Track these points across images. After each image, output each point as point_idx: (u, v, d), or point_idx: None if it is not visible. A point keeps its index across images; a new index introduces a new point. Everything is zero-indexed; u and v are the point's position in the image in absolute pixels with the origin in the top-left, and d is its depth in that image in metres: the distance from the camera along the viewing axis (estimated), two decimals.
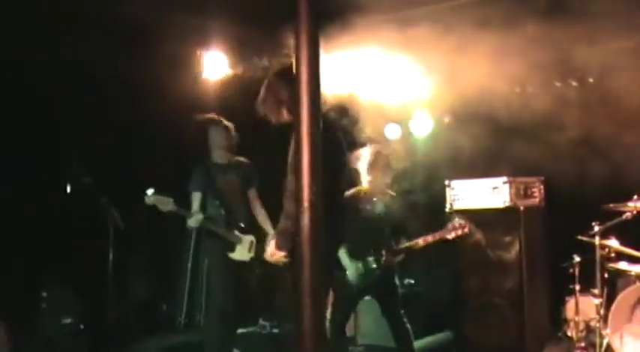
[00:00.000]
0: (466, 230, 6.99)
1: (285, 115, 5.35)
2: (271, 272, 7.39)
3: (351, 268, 6.93)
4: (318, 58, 3.17)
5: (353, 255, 6.95)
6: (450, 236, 7.02)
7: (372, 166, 7.07)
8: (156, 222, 7.96)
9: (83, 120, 7.82)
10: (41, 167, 7.48)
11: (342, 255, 6.94)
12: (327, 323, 6.72)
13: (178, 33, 7.49)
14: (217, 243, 7.30)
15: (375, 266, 6.90)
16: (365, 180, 7.12)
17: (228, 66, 8.35)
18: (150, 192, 7.03)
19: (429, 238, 6.95)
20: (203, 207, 7.32)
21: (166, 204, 7.05)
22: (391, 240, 7.01)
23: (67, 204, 7.46)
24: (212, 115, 7.53)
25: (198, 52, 8.30)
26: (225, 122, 7.46)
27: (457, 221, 7.05)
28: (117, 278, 7.31)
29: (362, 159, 7.11)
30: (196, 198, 7.38)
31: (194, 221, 7.19)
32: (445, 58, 7.64)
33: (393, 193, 7.17)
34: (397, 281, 7.09)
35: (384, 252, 6.92)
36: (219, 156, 7.48)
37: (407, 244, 7.00)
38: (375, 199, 7.06)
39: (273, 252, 5.20)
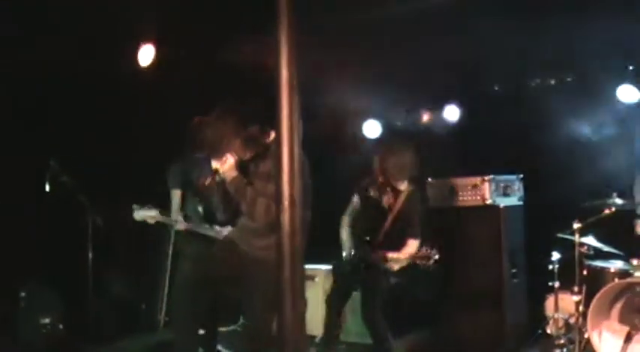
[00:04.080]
0: (431, 261, 7.03)
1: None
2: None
3: (347, 249, 7.16)
4: (297, 54, 3.17)
5: (353, 237, 7.22)
6: (419, 261, 7.09)
7: (383, 160, 7.21)
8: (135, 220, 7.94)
9: (61, 119, 7.78)
10: (19, 166, 7.44)
11: (346, 234, 7.19)
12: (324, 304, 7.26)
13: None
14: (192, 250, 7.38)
15: (364, 255, 7.07)
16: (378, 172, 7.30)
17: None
18: (135, 207, 7.04)
19: (399, 255, 7.08)
20: (182, 204, 7.35)
21: (153, 217, 7.08)
22: (394, 234, 7.15)
23: (45, 203, 7.42)
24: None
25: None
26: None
27: (425, 249, 7.13)
28: (96, 277, 7.29)
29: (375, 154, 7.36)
30: (176, 195, 7.41)
31: (179, 225, 7.27)
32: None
33: (410, 187, 7.29)
34: (384, 280, 7.15)
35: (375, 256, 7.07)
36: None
37: (388, 257, 7.06)
38: (388, 190, 7.21)
39: None
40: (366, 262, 7.08)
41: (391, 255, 7.01)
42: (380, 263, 7.03)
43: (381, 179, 7.25)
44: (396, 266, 7.04)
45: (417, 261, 7.04)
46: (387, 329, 7.03)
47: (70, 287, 7.73)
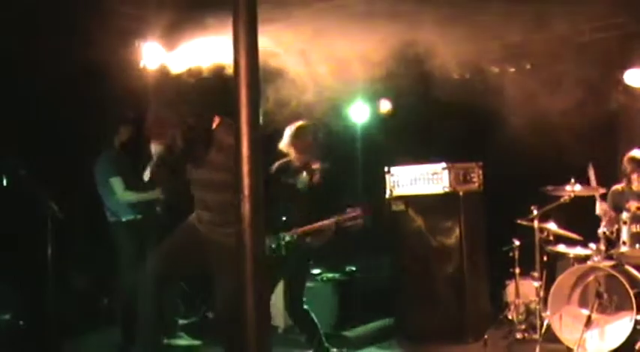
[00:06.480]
0: (359, 220, 6.78)
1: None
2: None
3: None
4: (256, 44, 3.15)
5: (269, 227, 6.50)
6: (349, 224, 6.70)
7: (294, 140, 6.87)
8: (95, 212, 7.88)
9: (18, 113, 7.69)
10: None
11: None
12: None
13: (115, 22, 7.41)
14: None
15: (283, 243, 6.69)
16: (291, 155, 6.95)
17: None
18: None
19: (325, 222, 6.69)
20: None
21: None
22: (309, 217, 6.74)
23: (3, 197, 7.34)
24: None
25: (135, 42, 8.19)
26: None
27: (351, 209, 6.83)
28: (56, 272, 7.21)
29: (285, 135, 6.93)
30: (117, 182, 7.63)
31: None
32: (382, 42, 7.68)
33: (320, 168, 6.88)
34: (310, 268, 7.04)
35: (294, 230, 6.72)
36: None
37: (307, 227, 6.72)
38: (303, 174, 6.82)
39: None
40: (287, 248, 6.72)
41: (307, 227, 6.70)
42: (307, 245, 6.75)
43: (296, 161, 6.91)
44: (316, 243, 6.75)
45: (346, 225, 6.69)
46: (315, 321, 6.90)
47: (29, 282, 7.64)
